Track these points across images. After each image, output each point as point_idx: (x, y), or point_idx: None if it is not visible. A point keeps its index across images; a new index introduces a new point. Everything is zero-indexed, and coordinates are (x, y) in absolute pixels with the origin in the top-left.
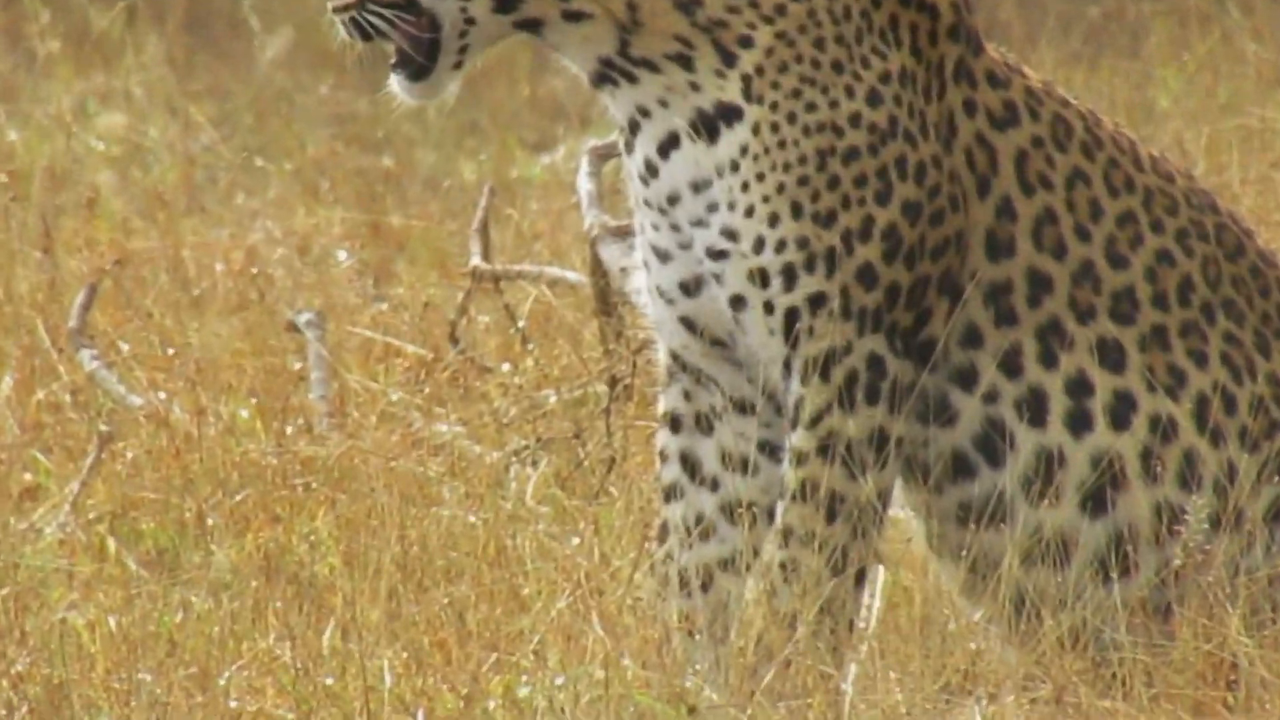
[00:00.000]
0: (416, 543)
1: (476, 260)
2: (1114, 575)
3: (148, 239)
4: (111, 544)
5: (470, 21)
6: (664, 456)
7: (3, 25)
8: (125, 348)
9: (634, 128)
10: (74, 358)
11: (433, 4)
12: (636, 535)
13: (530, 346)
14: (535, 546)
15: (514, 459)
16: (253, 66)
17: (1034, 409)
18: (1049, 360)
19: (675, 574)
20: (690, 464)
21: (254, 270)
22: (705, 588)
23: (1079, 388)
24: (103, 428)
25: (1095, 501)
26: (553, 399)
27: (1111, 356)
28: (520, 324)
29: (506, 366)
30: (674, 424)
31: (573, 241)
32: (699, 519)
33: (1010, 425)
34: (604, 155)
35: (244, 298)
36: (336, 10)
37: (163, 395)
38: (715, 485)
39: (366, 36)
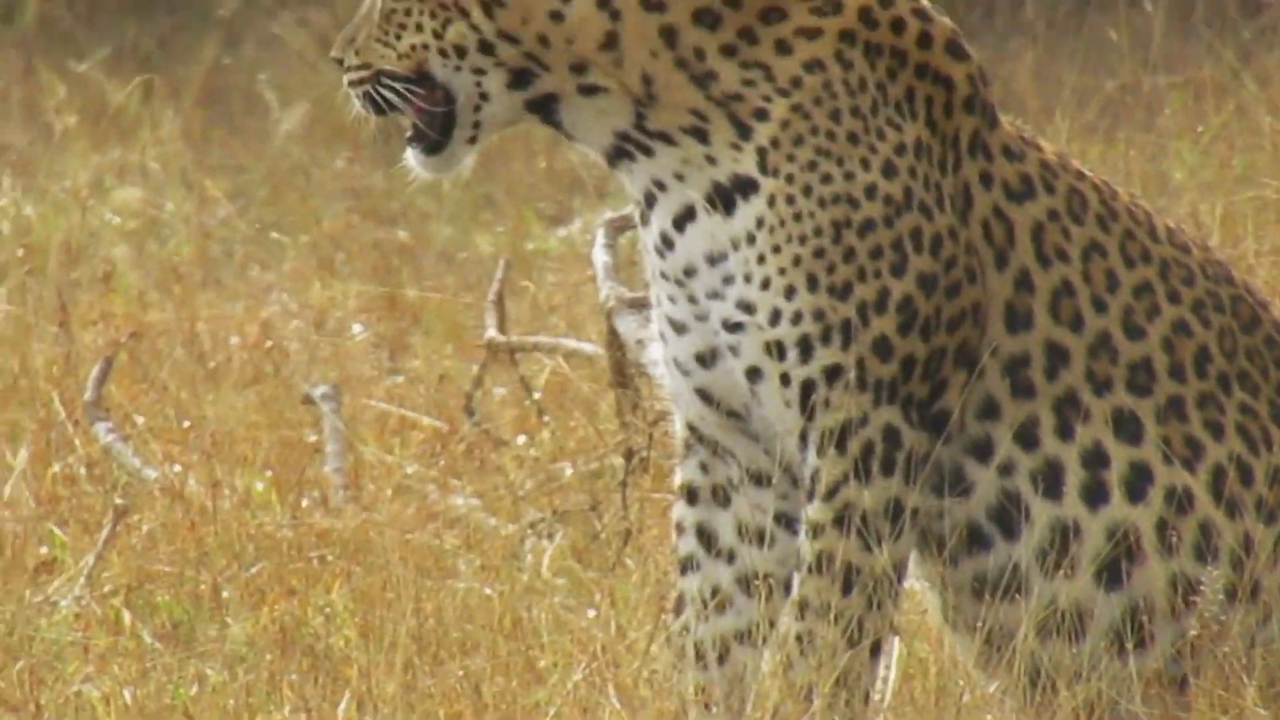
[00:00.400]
0: (432, 615)
1: (492, 333)
2: (1130, 647)
3: (163, 312)
4: (127, 617)
5: (484, 97)
6: (680, 529)
7: (20, 99)
8: (140, 421)
9: (650, 201)
10: (89, 431)
11: (447, 78)
12: (653, 608)
13: (546, 419)
14: (551, 619)
15: (530, 531)
16: (268, 141)
17: (1050, 481)
18: (1065, 432)
19: (691, 646)
20: (707, 536)
21: (269, 343)
22: (721, 660)
23: (1095, 460)
24: (118, 501)
25: (1111, 574)
26: (569, 471)
27: (1128, 428)
28: (536, 396)
29: (522, 439)
30: (690, 496)
31: (589, 314)
32: (715, 591)
33: (1026, 497)
34: (620, 227)
35: (259, 371)
36: (351, 84)
37: (178, 468)
38: (731, 557)
39: (381, 111)
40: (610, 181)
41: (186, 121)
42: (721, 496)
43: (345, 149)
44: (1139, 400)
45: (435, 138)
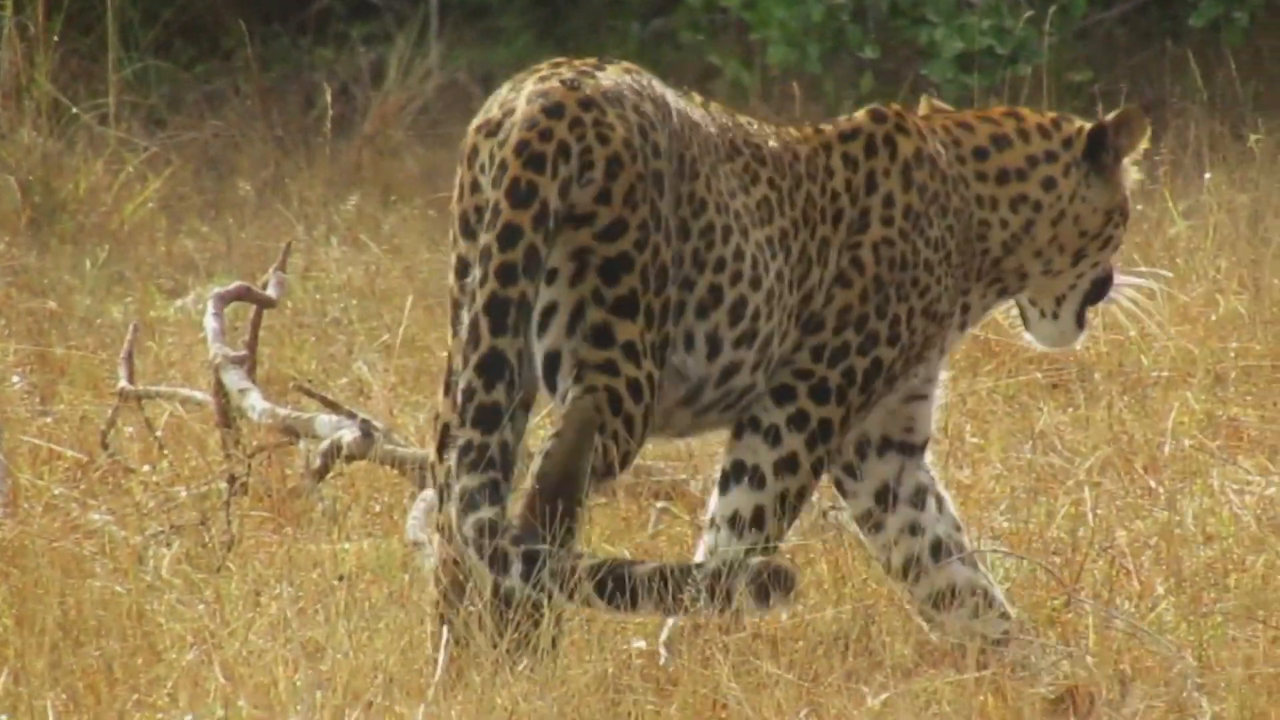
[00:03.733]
0: (74, 607)
1: (123, 383)
2: None
3: None
4: None
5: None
6: None
7: None
8: None
9: None
10: None
11: None
12: (250, 601)
13: (165, 452)
14: (168, 610)
15: (152, 541)
16: None
17: None
18: None
19: None
20: None
21: None
22: None
23: None
24: None
25: None
26: (183, 494)
27: None
28: (158, 434)
29: (147, 468)
30: None
31: (200, 368)
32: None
33: None
34: (226, 299)
35: None
36: None
37: None
38: None
39: None
40: (218, 262)
41: None
42: None
43: (5, 234)
44: None
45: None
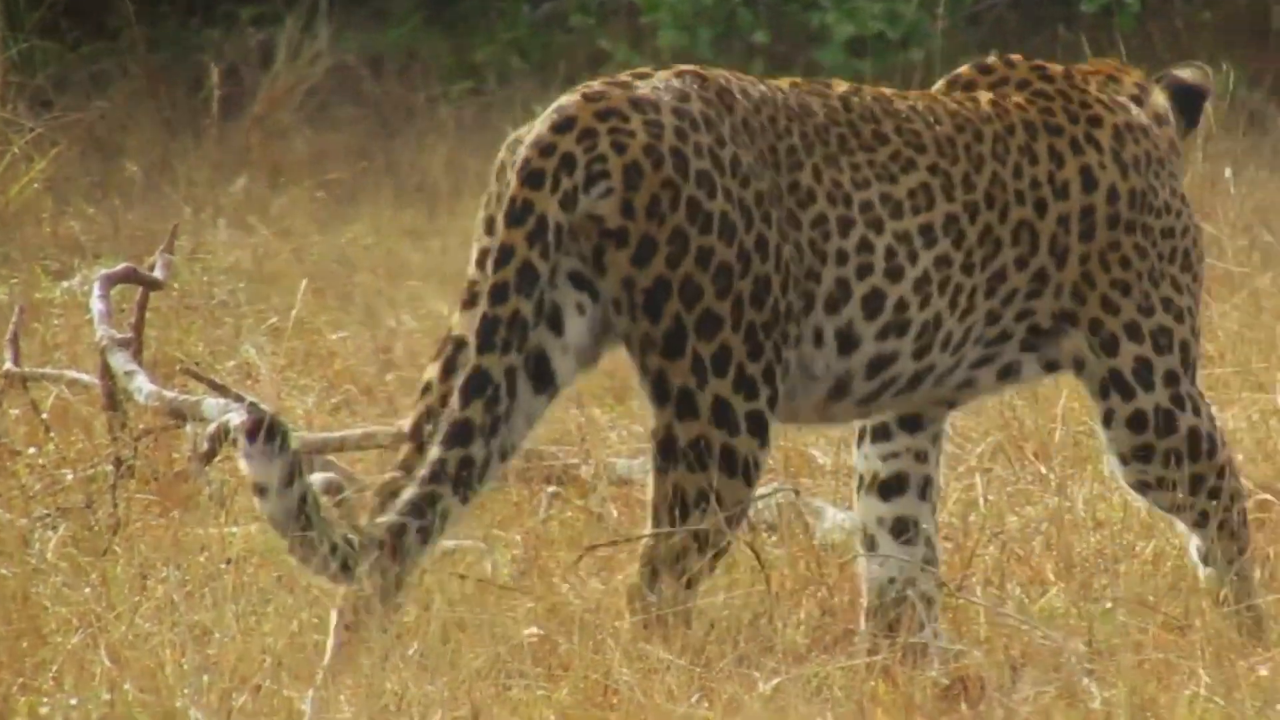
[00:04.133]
0: None
1: (9, 365)
2: None
3: None
4: None
5: None
6: None
7: None
8: None
9: None
10: None
11: None
12: (136, 585)
13: (51, 434)
14: (54, 594)
15: (38, 524)
16: None
17: None
18: None
19: None
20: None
21: None
22: None
23: None
24: None
25: None
26: (69, 476)
27: None
28: (44, 416)
29: (33, 450)
30: None
31: (86, 350)
32: None
33: None
34: (112, 281)
35: None
36: None
37: None
38: None
39: None
40: (104, 244)
41: None
42: None
43: None
44: None
45: None
